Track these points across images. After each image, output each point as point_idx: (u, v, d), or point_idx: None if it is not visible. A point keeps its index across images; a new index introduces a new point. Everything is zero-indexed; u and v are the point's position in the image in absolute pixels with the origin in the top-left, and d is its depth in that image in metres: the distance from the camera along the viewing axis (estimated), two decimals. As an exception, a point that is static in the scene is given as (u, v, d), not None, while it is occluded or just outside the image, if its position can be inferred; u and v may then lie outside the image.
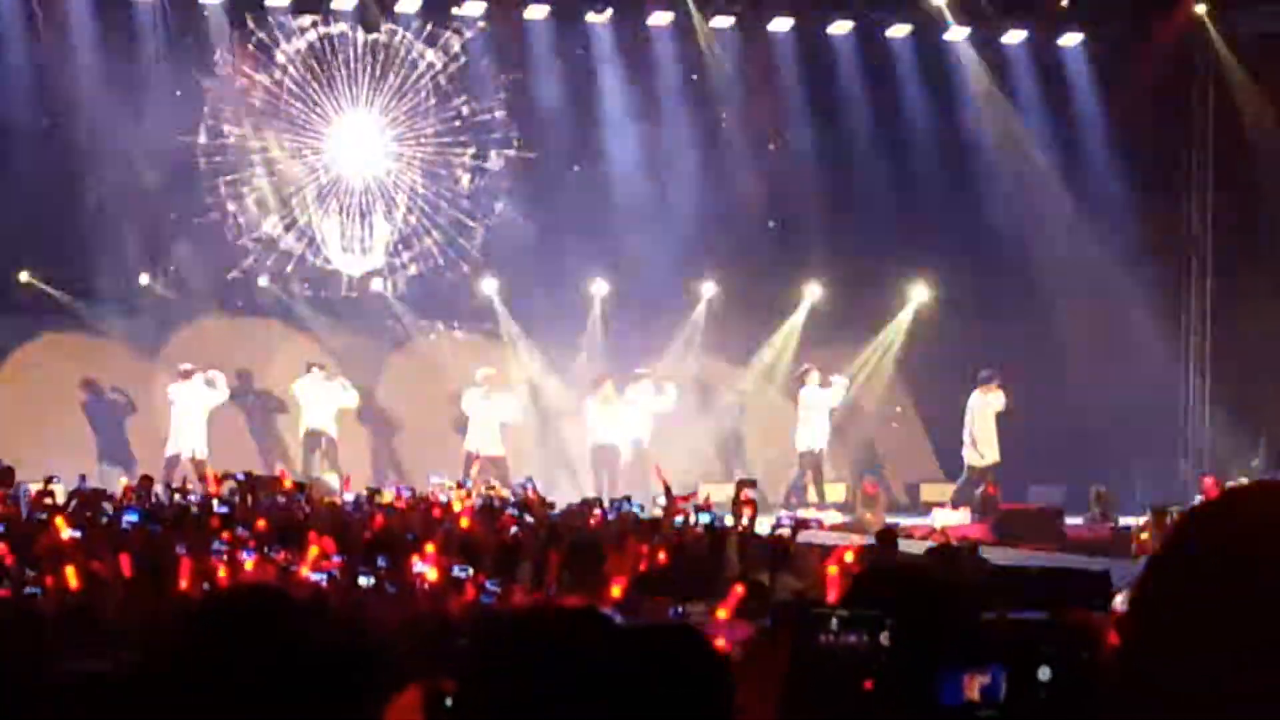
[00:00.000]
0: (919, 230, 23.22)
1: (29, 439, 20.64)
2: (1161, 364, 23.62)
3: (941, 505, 21.34)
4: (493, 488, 18.27)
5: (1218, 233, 24.00)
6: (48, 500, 14.96)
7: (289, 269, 22.85)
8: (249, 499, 15.37)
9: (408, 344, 23.33)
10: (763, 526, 14.20)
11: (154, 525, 12.91)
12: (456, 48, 23.22)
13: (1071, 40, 24.10)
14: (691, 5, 23.15)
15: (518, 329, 23.21)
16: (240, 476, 16.32)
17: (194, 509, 14.41)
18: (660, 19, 23.36)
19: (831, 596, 7.95)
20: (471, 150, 23.43)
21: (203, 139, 22.40)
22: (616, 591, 8.99)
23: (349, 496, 17.18)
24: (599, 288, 23.04)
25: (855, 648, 2.71)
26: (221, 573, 9.81)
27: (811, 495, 21.99)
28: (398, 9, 22.95)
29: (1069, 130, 24.23)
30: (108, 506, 14.68)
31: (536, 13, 23.12)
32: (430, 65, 23.20)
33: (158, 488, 17.13)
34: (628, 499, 16.44)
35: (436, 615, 7.85)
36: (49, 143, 21.55)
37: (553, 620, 2.83)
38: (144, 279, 22.09)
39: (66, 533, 11.24)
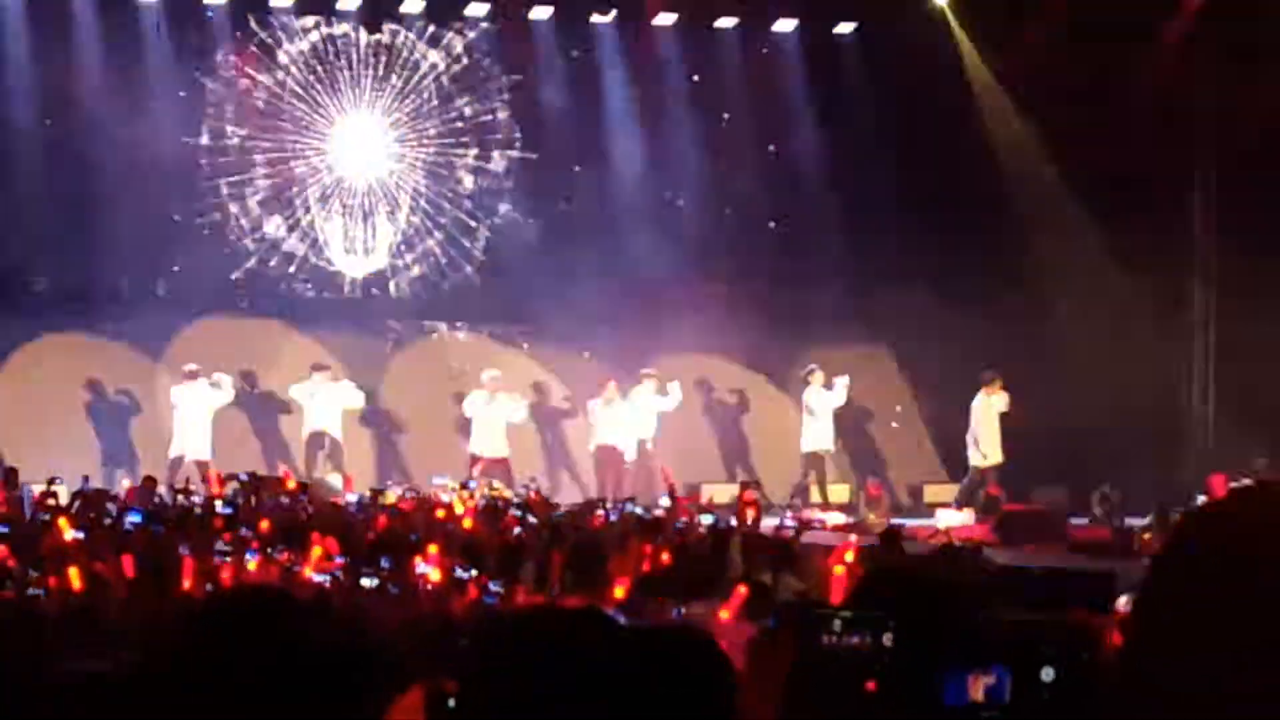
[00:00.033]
0: (921, 230, 23.20)
1: (32, 440, 20.65)
2: (1164, 364, 23.60)
3: (945, 506, 21.33)
4: (496, 489, 18.26)
5: (1221, 233, 23.98)
6: (51, 501, 14.97)
7: (292, 270, 22.86)
8: (252, 500, 15.37)
9: (410, 346, 23.34)
10: (766, 527, 14.21)
11: (157, 526, 12.91)
12: (459, 48, 23.22)
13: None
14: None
15: (520, 330, 23.21)
16: (244, 477, 16.32)
17: (197, 510, 14.41)
18: (663, 20, 23.37)
19: (836, 596, 7.94)
20: (474, 151, 23.43)
21: (205, 140, 22.41)
22: (619, 592, 8.99)
23: (351, 497, 17.19)
24: (602, 288, 23.02)
25: (858, 649, 2.70)
26: (225, 573, 9.81)
27: (815, 496, 21.99)
28: (401, 10, 22.96)
29: (1071, 129, 24.18)
30: (111, 507, 14.69)
31: (540, 13, 23.14)
32: (433, 66, 23.21)
33: (161, 489, 17.12)
34: (631, 500, 16.44)
35: (439, 616, 7.85)
36: (51, 143, 21.56)
37: (555, 621, 2.83)
38: (147, 280, 22.10)
39: (70, 534, 11.25)
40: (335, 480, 19.81)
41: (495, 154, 23.41)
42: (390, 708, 3.44)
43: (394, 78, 23.07)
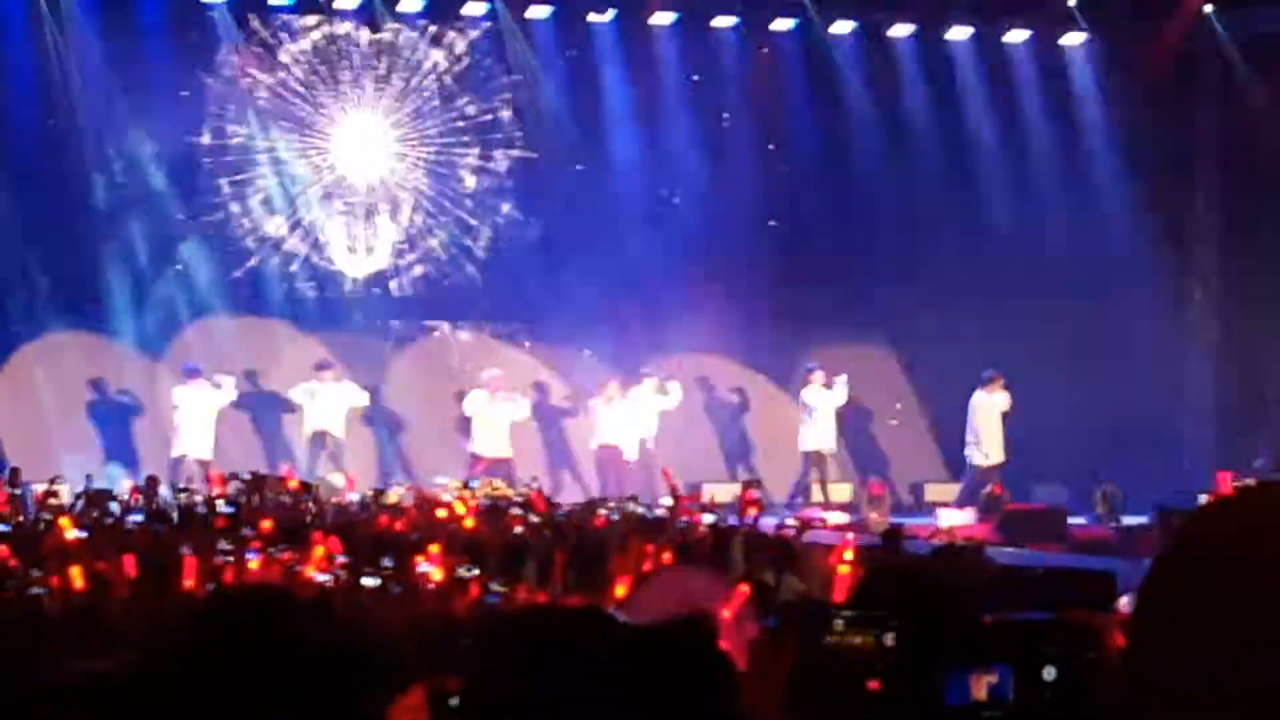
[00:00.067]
0: (922, 229, 23.21)
1: (34, 439, 20.66)
2: (1166, 363, 23.60)
3: (946, 505, 21.33)
4: (497, 488, 18.26)
5: (1222, 232, 23.98)
6: (53, 501, 14.97)
7: (293, 269, 22.85)
8: (254, 499, 15.36)
9: (412, 345, 23.34)
10: (768, 526, 14.20)
11: (159, 525, 12.92)
12: (461, 48, 23.22)
13: (1075, 40, 24.09)
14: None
15: (522, 330, 23.20)
16: (245, 476, 16.31)
17: (199, 509, 14.41)
18: (662, 19, 23.37)
19: (839, 596, 7.94)
20: (476, 150, 23.43)
21: (207, 139, 22.41)
22: (621, 591, 8.98)
23: (353, 496, 17.19)
24: (603, 288, 23.02)
25: (860, 648, 2.71)
26: (227, 573, 9.81)
27: (817, 495, 21.99)
28: (401, 8, 22.95)
29: (1072, 130, 24.21)
30: (113, 507, 14.70)
31: (540, 13, 23.13)
32: (435, 65, 23.20)
33: (163, 488, 17.12)
34: (633, 499, 16.44)
35: (441, 615, 7.85)
36: (53, 142, 21.57)
37: (557, 620, 2.83)
38: (149, 279, 22.10)
39: (72, 533, 11.25)
40: (337, 480, 19.80)
41: (497, 153, 23.41)
42: (392, 707, 3.44)
43: (395, 77, 23.07)
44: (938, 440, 23.86)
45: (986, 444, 21.90)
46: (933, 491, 23.02)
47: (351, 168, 23.09)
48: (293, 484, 16.54)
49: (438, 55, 23.18)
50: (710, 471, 22.57)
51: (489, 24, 23.18)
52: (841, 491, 22.63)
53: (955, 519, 20.07)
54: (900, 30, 23.88)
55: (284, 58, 22.68)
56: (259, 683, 3.04)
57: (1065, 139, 24.16)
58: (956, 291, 23.12)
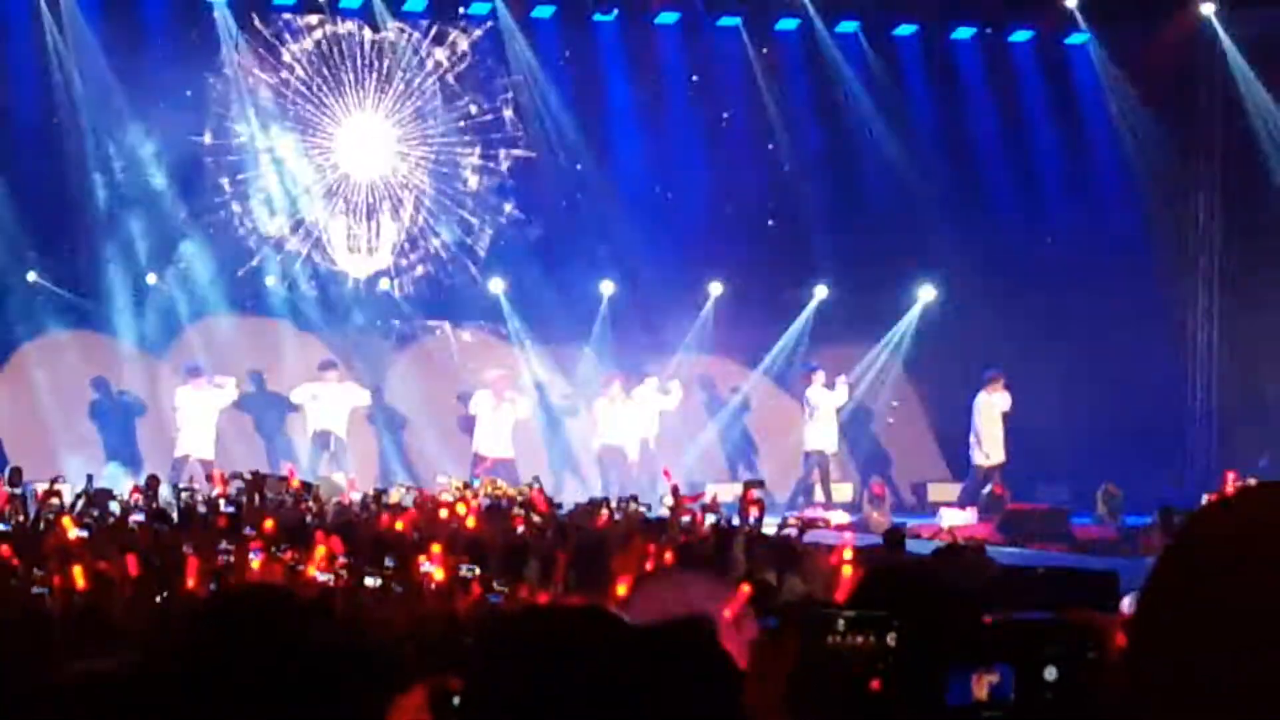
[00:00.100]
0: (924, 229, 23.22)
1: (36, 439, 20.68)
2: (1168, 362, 23.60)
3: (949, 505, 21.34)
4: (499, 488, 18.26)
5: (1224, 232, 23.97)
6: (54, 500, 14.96)
7: (296, 269, 22.86)
8: (255, 498, 15.36)
9: (414, 344, 23.35)
10: (769, 527, 14.20)
11: (161, 525, 12.92)
12: (464, 47, 23.23)
13: (1078, 40, 24.10)
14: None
15: (524, 329, 23.23)
16: (247, 476, 16.31)
17: (201, 509, 14.42)
18: (666, 19, 23.38)
19: (841, 596, 7.94)
20: (478, 150, 23.43)
21: (209, 138, 22.42)
22: (622, 590, 8.97)
23: (355, 496, 17.21)
24: (606, 287, 23.05)
25: (862, 649, 2.70)
26: (229, 573, 9.80)
27: (819, 495, 22.00)
28: (404, 8, 22.96)
29: (1075, 130, 24.22)
30: (115, 506, 14.70)
31: (543, 12, 23.14)
32: (438, 64, 23.21)
33: (163, 488, 17.13)
34: (634, 499, 16.44)
35: (443, 615, 7.85)
36: (56, 141, 21.58)
37: (559, 619, 2.83)
38: (151, 278, 22.11)
39: (73, 532, 11.25)
40: (339, 479, 19.81)
41: (500, 153, 23.41)
42: (394, 706, 3.44)
43: (398, 76, 23.08)
44: (940, 440, 23.87)
45: (987, 444, 21.91)
46: (935, 491, 23.04)
47: (353, 167, 23.10)
48: (295, 483, 16.55)
49: (440, 54, 23.19)
50: (711, 471, 22.58)
51: (491, 23, 23.19)
52: (843, 491, 22.64)
53: (957, 519, 20.08)
54: (904, 30, 23.87)
55: (286, 57, 22.68)
56: (260, 683, 3.04)
57: (1067, 139, 24.17)
58: (957, 291, 23.14)
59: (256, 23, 22.51)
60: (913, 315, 23.64)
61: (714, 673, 2.96)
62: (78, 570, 8.90)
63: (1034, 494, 21.60)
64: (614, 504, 16.01)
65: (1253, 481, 14.84)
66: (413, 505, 15.73)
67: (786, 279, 23.35)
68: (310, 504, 15.63)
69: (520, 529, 13.70)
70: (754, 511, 14.34)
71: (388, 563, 9.95)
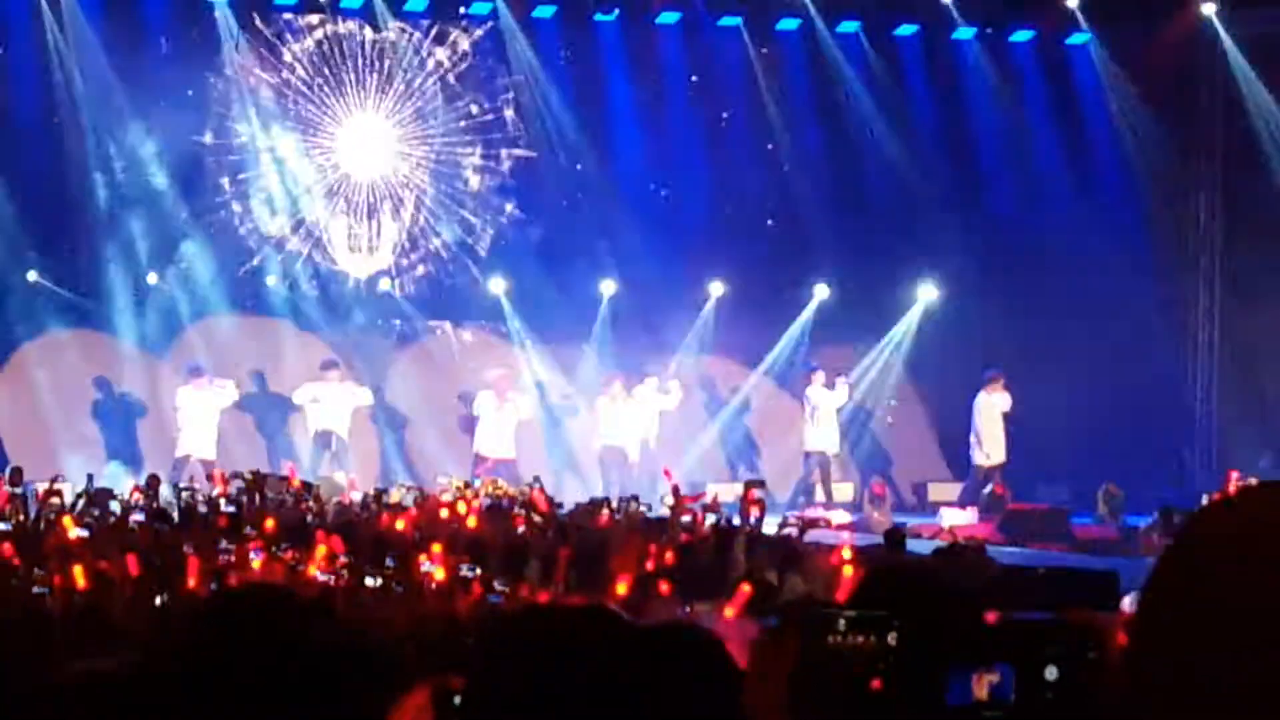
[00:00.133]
0: (925, 229, 23.22)
1: (37, 439, 20.68)
2: (1169, 362, 23.60)
3: (949, 505, 21.34)
4: (500, 488, 18.26)
5: (1225, 232, 23.97)
6: (55, 500, 14.96)
7: (297, 268, 22.86)
8: (256, 498, 15.37)
9: (415, 344, 23.35)
10: (770, 526, 14.21)
11: (161, 525, 12.93)
12: (465, 47, 23.22)
13: (1079, 40, 24.10)
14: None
15: (525, 329, 23.23)
16: (248, 475, 16.31)
17: (202, 508, 14.42)
18: (667, 19, 23.38)
19: (843, 596, 7.93)
20: (479, 150, 23.43)
21: (209, 138, 22.42)
22: (622, 589, 8.98)
23: (356, 496, 17.21)
24: (606, 287, 23.05)
25: (863, 648, 2.70)
26: (229, 572, 9.81)
27: (819, 495, 22.00)
28: (405, 7, 22.95)
29: (1076, 130, 24.22)
30: (115, 506, 14.70)
31: (544, 12, 23.14)
32: (439, 64, 23.21)
33: (164, 487, 17.13)
34: (635, 498, 16.44)
35: (444, 615, 7.85)
36: (57, 141, 21.58)
37: (560, 619, 2.83)
38: (152, 278, 22.11)
39: (74, 532, 11.26)
40: (340, 479, 19.82)
41: (501, 152, 23.41)
42: (395, 706, 3.44)
43: (399, 76, 23.08)
44: (940, 440, 23.88)
45: (988, 444, 21.92)
46: (935, 491, 23.04)
47: (354, 167, 23.10)
48: (295, 482, 16.55)
49: (441, 54, 23.18)
50: (712, 471, 22.58)
51: (492, 23, 23.19)
52: (844, 491, 22.64)
53: (957, 519, 20.08)
54: (903, 30, 23.87)
55: (287, 57, 22.68)
56: (261, 682, 3.04)
57: (1068, 139, 24.17)
58: (958, 291, 23.14)
59: (257, 22, 22.51)
60: (913, 315, 23.64)
61: (714, 673, 2.96)
62: (78, 570, 8.90)
63: (1034, 494, 21.60)
64: (615, 504, 16.02)
65: (1254, 481, 14.85)
66: (413, 505, 15.73)
67: (786, 279, 23.33)
68: (311, 504, 15.64)
69: (521, 529, 13.71)
70: (755, 511, 14.34)
71: (388, 562, 9.96)
